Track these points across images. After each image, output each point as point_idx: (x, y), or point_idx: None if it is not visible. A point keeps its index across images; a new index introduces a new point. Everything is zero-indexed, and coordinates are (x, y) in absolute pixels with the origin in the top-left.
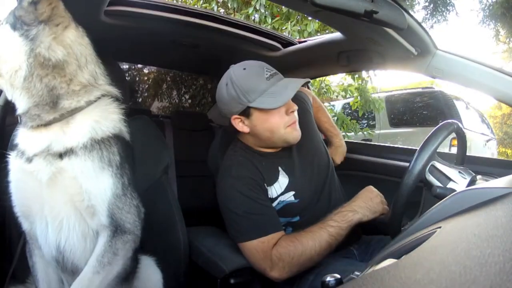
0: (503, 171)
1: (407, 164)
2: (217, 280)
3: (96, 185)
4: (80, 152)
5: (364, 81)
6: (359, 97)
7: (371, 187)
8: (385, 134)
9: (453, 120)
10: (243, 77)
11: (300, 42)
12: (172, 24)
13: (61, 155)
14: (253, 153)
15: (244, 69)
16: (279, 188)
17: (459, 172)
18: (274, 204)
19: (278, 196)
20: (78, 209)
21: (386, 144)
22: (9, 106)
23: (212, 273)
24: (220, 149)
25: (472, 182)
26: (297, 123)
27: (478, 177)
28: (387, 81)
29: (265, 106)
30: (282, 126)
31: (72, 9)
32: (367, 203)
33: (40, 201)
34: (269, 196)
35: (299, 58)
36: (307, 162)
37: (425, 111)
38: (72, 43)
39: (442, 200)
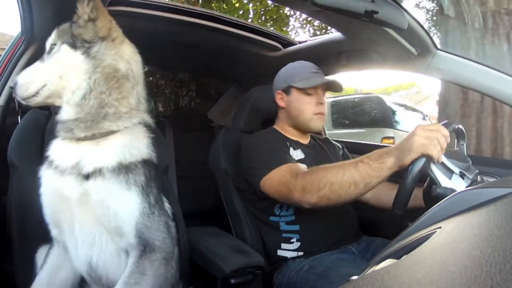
0: (503, 171)
1: None
2: (217, 280)
3: (123, 206)
4: (108, 174)
5: None
6: None
7: (422, 125)
8: (328, 135)
9: (452, 120)
10: (294, 66)
11: (300, 42)
12: (172, 24)
13: (88, 176)
14: (281, 134)
15: (300, 63)
16: (295, 156)
17: (460, 171)
18: None
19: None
20: (107, 229)
21: (386, 144)
22: (10, 106)
23: (212, 273)
24: (222, 149)
25: (472, 182)
26: (324, 117)
27: (478, 177)
28: (371, 82)
29: (299, 86)
30: (311, 111)
31: (72, 10)
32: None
33: (70, 217)
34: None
35: (299, 58)
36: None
37: (365, 114)
38: (130, 59)
39: (442, 200)
